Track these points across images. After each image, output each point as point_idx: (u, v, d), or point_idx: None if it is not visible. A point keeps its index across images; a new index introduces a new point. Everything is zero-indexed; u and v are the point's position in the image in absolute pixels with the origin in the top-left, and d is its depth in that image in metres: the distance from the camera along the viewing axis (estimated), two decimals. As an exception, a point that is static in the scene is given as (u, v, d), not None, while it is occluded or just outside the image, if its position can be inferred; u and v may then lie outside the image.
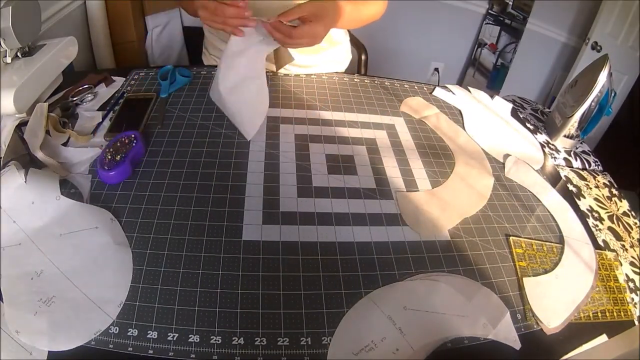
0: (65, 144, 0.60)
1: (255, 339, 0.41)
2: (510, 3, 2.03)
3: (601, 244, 0.60)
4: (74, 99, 0.69)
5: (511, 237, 0.56)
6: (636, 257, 0.61)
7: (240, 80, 0.63)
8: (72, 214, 0.50)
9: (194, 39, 1.61)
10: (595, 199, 0.69)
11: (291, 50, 0.81)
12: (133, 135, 0.58)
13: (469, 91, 0.87)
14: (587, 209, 0.66)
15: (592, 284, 0.53)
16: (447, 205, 0.59)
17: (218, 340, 0.41)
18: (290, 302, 0.44)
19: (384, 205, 0.57)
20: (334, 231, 0.52)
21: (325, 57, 0.87)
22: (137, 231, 0.49)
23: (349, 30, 0.94)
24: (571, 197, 0.67)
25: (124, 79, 0.76)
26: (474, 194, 0.62)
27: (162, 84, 0.73)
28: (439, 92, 0.83)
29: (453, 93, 0.84)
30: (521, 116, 0.86)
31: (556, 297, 0.51)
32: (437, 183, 0.62)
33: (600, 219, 0.65)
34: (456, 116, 0.78)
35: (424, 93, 0.83)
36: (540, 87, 2.24)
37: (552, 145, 0.81)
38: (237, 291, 0.45)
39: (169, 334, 0.41)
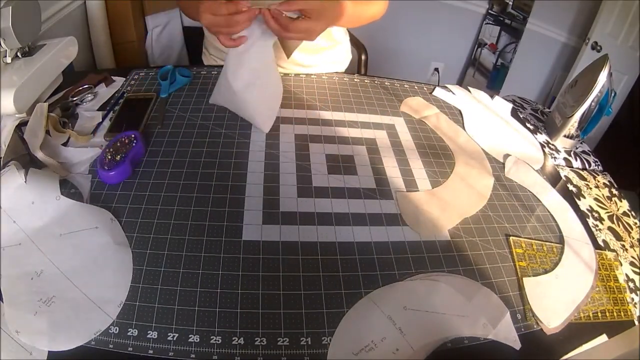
0: (65, 144, 0.60)
1: (255, 339, 0.41)
2: (510, 3, 2.03)
3: (601, 244, 0.60)
4: (74, 99, 0.69)
5: (511, 237, 0.56)
6: (636, 257, 0.61)
7: (254, 77, 0.62)
8: (72, 214, 0.50)
9: (194, 39, 1.61)
10: (595, 199, 0.69)
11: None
12: (133, 135, 0.58)
13: (469, 91, 0.87)
14: (587, 209, 0.66)
15: (592, 284, 0.53)
16: (447, 205, 0.59)
17: (218, 340, 0.41)
18: (290, 302, 0.44)
19: (384, 205, 0.57)
20: (334, 231, 0.52)
21: (325, 57, 0.87)
22: (137, 231, 0.49)
23: (349, 30, 0.94)
24: (571, 197, 0.67)
25: (124, 79, 0.76)
26: (474, 194, 0.62)
27: (162, 84, 0.73)
28: (439, 92, 0.83)
29: (453, 93, 0.84)
30: (521, 116, 0.86)
31: (556, 297, 0.51)
32: (437, 183, 0.62)
33: (600, 219, 0.65)
34: (456, 116, 0.78)
35: (424, 93, 0.83)
36: (540, 87, 2.24)
37: (552, 145, 0.81)
38: (237, 291, 0.45)
39: (169, 334, 0.41)
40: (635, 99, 1.97)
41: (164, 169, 0.57)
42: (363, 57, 1.13)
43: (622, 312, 0.52)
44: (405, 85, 0.85)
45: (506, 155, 0.71)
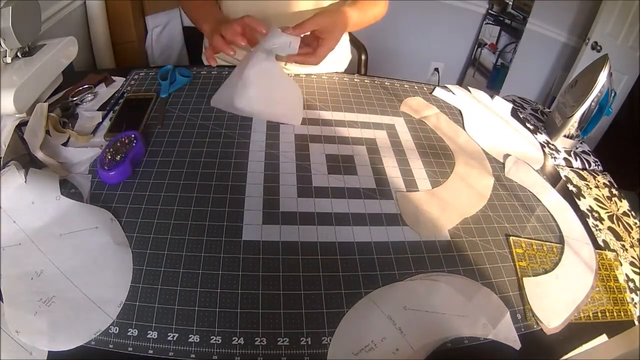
0: (65, 144, 0.60)
1: (255, 339, 0.41)
2: (510, 3, 2.03)
3: (601, 244, 0.60)
4: (74, 99, 0.69)
5: (511, 237, 0.56)
6: (636, 257, 0.61)
7: (266, 95, 0.65)
8: (72, 214, 0.50)
9: (194, 39, 1.61)
10: (595, 199, 0.69)
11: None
12: (133, 135, 0.58)
13: (469, 91, 0.87)
14: (587, 209, 0.66)
15: (592, 284, 0.53)
16: (447, 205, 0.59)
17: (218, 340, 0.41)
18: (290, 302, 0.44)
19: (384, 205, 0.57)
20: (334, 231, 0.52)
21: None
22: (137, 231, 0.49)
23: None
24: (571, 197, 0.67)
25: (124, 79, 0.76)
26: (474, 194, 0.62)
27: (162, 84, 0.73)
28: (439, 92, 0.83)
29: (453, 93, 0.84)
30: (521, 116, 0.86)
31: (556, 297, 0.51)
32: (437, 183, 0.62)
33: (600, 219, 0.65)
34: (456, 116, 0.78)
35: (424, 93, 0.83)
36: (540, 87, 2.24)
37: (552, 145, 0.81)
38: (237, 291, 0.45)
39: (169, 334, 0.41)
40: (635, 99, 1.97)
41: (164, 169, 0.57)
42: (363, 57, 1.13)
43: (622, 312, 0.52)
44: (405, 85, 0.85)
45: (506, 155, 0.71)
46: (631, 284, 0.56)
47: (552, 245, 0.57)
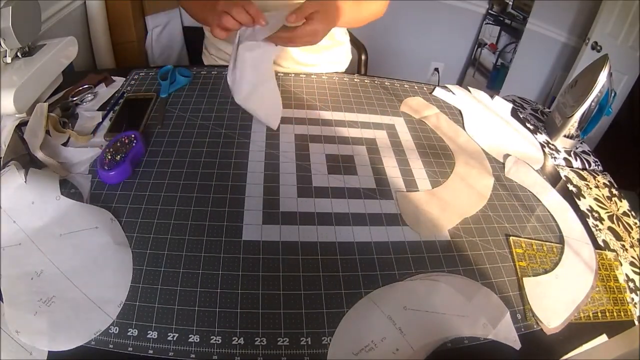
0: (65, 144, 0.60)
1: (255, 339, 0.41)
2: (510, 3, 2.03)
3: (601, 244, 0.60)
4: (74, 99, 0.69)
5: (511, 237, 0.56)
6: (636, 257, 0.61)
7: (252, 88, 0.63)
8: (72, 214, 0.50)
9: (194, 39, 1.61)
10: (595, 199, 0.69)
11: (293, 49, 0.82)
12: (133, 135, 0.58)
13: (469, 91, 0.87)
14: (587, 209, 0.66)
15: (592, 284, 0.53)
16: (447, 205, 0.59)
17: (218, 340, 0.41)
18: (290, 302, 0.44)
19: (384, 205, 0.57)
20: (334, 231, 0.52)
21: (325, 57, 0.87)
22: (137, 231, 0.49)
23: (349, 30, 0.94)
24: (571, 197, 0.67)
25: (124, 79, 0.76)
26: (474, 194, 0.62)
27: (162, 84, 0.73)
28: (439, 92, 0.83)
29: (453, 93, 0.84)
30: (521, 116, 0.86)
31: (556, 297, 0.51)
32: (437, 183, 0.62)
33: (600, 219, 0.65)
34: (456, 116, 0.78)
35: (424, 93, 0.83)
36: (540, 87, 2.24)
37: (552, 145, 0.81)
38: (237, 291, 0.45)
39: (169, 334, 0.41)
40: (635, 99, 1.97)
41: (164, 169, 0.57)
42: (363, 57, 1.13)
43: (622, 312, 0.52)
44: (405, 85, 0.85)
45: (506, 155, 0.71)
46: (631, 284, 0.56)
47: (552, 245, 0.57)
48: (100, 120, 0.65)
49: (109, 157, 0.55)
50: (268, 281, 0.46)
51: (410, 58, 2.29)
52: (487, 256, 0.53)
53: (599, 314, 0.51)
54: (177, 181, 0.56)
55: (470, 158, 0.68)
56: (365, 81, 0.84)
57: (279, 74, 0.81)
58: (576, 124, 0.77)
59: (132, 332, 0.41)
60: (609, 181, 0.74)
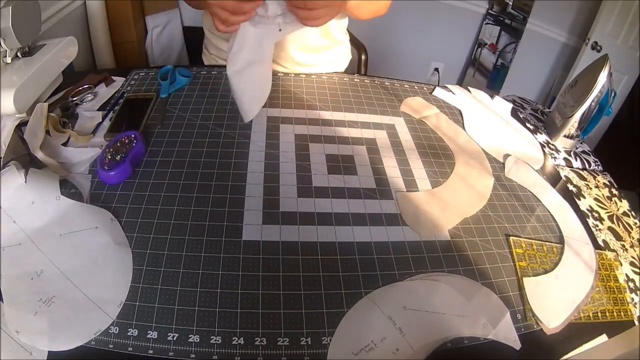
0: (65, 144, 0.60)
1: (255, 339, 0.41)
2: (510, 3, 2.03)
3: (601, 244, 0.60)
4: (74, 99, 0.69)
5: (511, 237, 0.56)
6: (636, 257, 0.61)
7: (247, 64, 0.61)
8: (72, 214, 0.50)
9: (194, 39, 1.60)
10: (595, 199, 0.69)
11: (292, 49, 0.82)
12: (133, 135, 0.58)
13: (469, 91, 0.87)
14: (587, 209, 0.66)
15: (592, 284, 0.53)
16: (447, 205, 0.59)
17: (218, 340, 0.41)
18: (290, 302, 0.44)
19: (384, 205, 0.57)
20: (334, 231, 0.52)
21: (325, 57, 0.87)
22: (137, 231, 0.49)
23: (349, 30, 0.94)
24: (571, 197, 0.67)
25: (124, 79, 0.76)
26: (474, 194, 0.62)
27: (162, 84, 0.73)
28: (439, 92, 0.83)
29: (453, 93, 0.84)
30: (521, 116, 0.86)
31: (556, 297, 0.51)
32: (437, 183, 0.62)
33: (600, 219, 0.65)
34: (456, 116, 0.78)
35: (424, 93, 0.83)
36: (540, 87, 2.24)
37: (552, 145, 0.81)
38: (237, 291, 0.45)
39: (169, 334, 0.41)
40: (635, 99, 1.97)
41: (164, 169, 0.57)
42: (363, 57, 1.13)
43: (622, 312, 0.52)
44: (405, 85, 0.85)
45: (506, 155, 0.71)
46: (631, 284, 0.56)
47: (552, 245, 0.57)
48: (100, 120, 0.65)
49: (109, 157, 0.55)
50: (268, 281, 0.46)
51: (410, 58, 2.29)
52: (487, 256, 0.53)
53: (599, 314, 0.51)
54: (177, 181, 0.56)
55: (470, 158, 0.68)
56: (365, 81, 0.84)
57: (279, 74, 0.81)
58: (576, 124, 0.77)
59: (132, 332, 0.41)
60: (609, 181, 0.74)
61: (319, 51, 0.85)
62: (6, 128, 0.58)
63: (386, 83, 0.84)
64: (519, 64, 2.09)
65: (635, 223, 0.67)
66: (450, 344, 0.44)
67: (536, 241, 0.57)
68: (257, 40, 0.59)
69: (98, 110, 0.68)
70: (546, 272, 0.53)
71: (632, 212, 0.69)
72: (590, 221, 0.63)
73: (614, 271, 0.57)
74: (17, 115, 0.60)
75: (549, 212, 0.62)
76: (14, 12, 0.57)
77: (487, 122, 0.78)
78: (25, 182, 0.49)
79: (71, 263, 0.45)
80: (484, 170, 0.67)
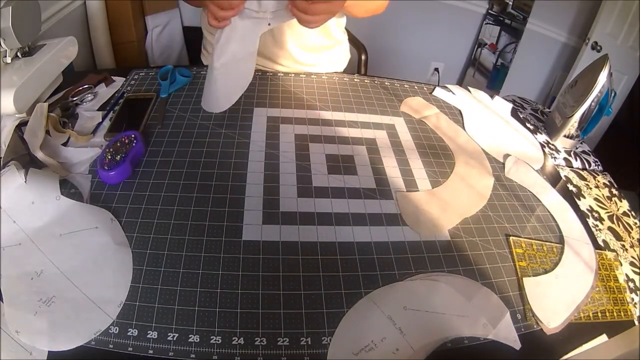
0: (65, 144, 0.60)
1: (255, 339, 0.41)
2: (510, 3, 2.03)
3: (601, 244, 0.60)
4: (74, 99, 0.69)
5: (511, 237, 0.56)
6: (636, 257, 0.61)
7: (233, 57, 0.61)
8: (72, 214, 0.50)
9: (194, 39, 1.61)
10: (595, 199, 0.69)
11: (292, 49, 0.82)
12: (133, 135, 0.58)
13: (469, 91, 0.87)
14: (587, 209, 0.66)
15: (592, 284, 0.53)
16: (447, 205, 0.59)
17: (218, 340, 0.41)
18: (290, 302, 0.44)
19: (384, 205, 0.57)
20: (334, 231, 0.52)
21: (324, 57, 0.87)
22: (137, 231, 0.49)
23: (348, 30, 0.94)
24: (571, 197, 0.67)
25: (124, 79, 0.76)
26: (474, 194, 0.62)
27: (162, 84, 0.73)
28: (439, 92, 0.83)
29: (453, 93, 0.84)
30: (521, 116, 0.86)
31: (556, 297, 0.51)
32: (437, 183, 0.62)
33: (600, 219, 0.65)
34: (456, 116, 0.78)
35: (424, 93, 0.83)
36: (540, 87, 2.24)
37: (552, 145, 0.81)
38: (237, 291, 0.45)
39: (169, 334, 0.41)
40: (635, 99, 1.97)
41: (164, 169, 0.57)
42: (363, 57, 1.13)
43: (622, 312, 0.52)
44: (405, 85, 0.85)
45: (506, 155, 0.71)
46: (631, 284, 0.56)
47: (552, 245, 0.57)
48: (100, 120, 0.65)
49: (109, 157, 0.55)
50: (268, 281, 0.46)
51: (410, 58, 2.29)
52: (487, 256, 0.53)
53: (599, 314, 0.51)
54: (177, 181, 0.56)
55: (470, 158, 0.68)
56: (365, 81, 0.84)
57: (279, 74, 0.81)
58: (576, 124, 0.77)
59: (132, 332, 0.41)
60: (609, 181, 0.74)
61: (318, 51, 0.85)
62: (6, 128, 0.58)
63: (386, 83, 0.84)
64: (519, 64, 2.09)
65: (635, 223, 0.67)
66: (450, 344, 0.44)
67: (536, 241, 0.57)
68: (245, 34, 0.60)
69: (98, 110, 0.68)
70: (546, 272, 0.53)
71: (632, 212, 0.69)
72: (590, 221, 0.63)
73: (614, 271, 0.57)
74: (17, 115, 0.60)
75: (549, 212, 0.62)
76: (14, 12, 0.57)
77: (487, 122, 0.78)
78: (25, 182, 0.49)
79: (71, 263, 0.45)
80: (484, 170, 0.67)
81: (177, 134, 0.64)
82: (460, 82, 2.39)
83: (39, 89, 0.65)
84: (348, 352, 0.41)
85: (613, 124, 2.00)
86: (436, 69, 2.37)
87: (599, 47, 1.79)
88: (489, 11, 2.15)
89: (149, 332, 0.41)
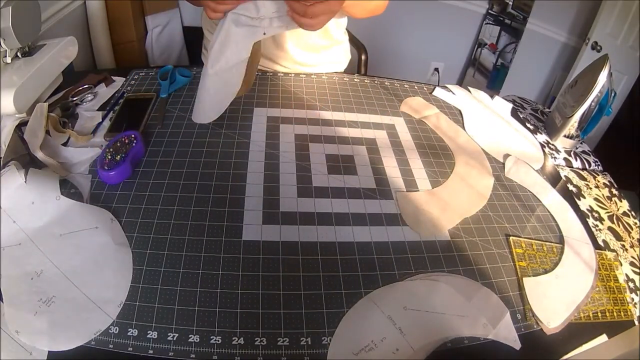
0: (65, 144, 0.60)
1: (255, 339, 0.41)
2: (510, 3, 2.03)
3: (601, 244, 0.60)
4: (74, 99, 0.69)
5: (511, 237, 0.56)
6: (636, 257, 0.61)
7: (226, 65, 0.60)
8: (72, 214, 0.50)
9: (194, 39, 1.61)
10: (595, 199, 0.69)
11: (292, 49, 0.82)
12: (133, 135, 0.58)
13: (469, 91, 0.87)
14: (587, 209, 0.66)
15: (592, 284, 0.53)
16: (447, 205, 0.59)
17: (218, 340, 0.41)
18: (290, 302, 0.44)
19: (384, 205, 0.57)
20: (334, 231, 0.52)
21: (324, 57, 0.87)
22: (137, 231, 0.49)
23: (348, 30, 0.94)
24: (571, 197, 0.67)
25: (124, 79, 0.76)
26: (474, 194, 0.62)
27: (162, 84, 0.73)
28: (439, 92, 0.83)
29: (453, 93, 0.84)
30: (521, 116, 0.86)
31: (556, 297, 0.51)
32: (437, 183, 0.62)
33: (600, 219, 0.65)
34: (456, 116, 0.78)
35: (424, 93, 0.83)
36: (540, 87, 2.24)
37: (552, 145, 0.81)
38: (237, 291, 0.45)
39: (169, 334, 0.41)
40: (635, 99, 1.97)
41: (164, 169, 0.57)
42: (363, 57, 1.13)
43: (622, 312, 0.52)
44: (405, 85, 0.85)
45: (506, 155, 0.71)
46: (631, 284, 0.56)
47: (552, 245, 0.57)
48: (100, 120, 0.65)
49: (109, 157, 0.55)
50: (268, 281, 0.46)
51: (410, 58, 2.29)
52: (487, 256, 0.53)
53: (599, 314, 0.51)
54: (177, 181, 0.56)
55: (470, 158, 0.68)
56: (365, 81, 0.84)
57: (279, 74, 0.81)
58: (576, 124, 0.77)
59: (132, 332, 0.41)
60: (609, 181, 0.74)
61: (318, 51, 0.85)
62: (6, 128, 0.58)
63: (386, 83, 0.84)
64: (519, 64, 2.09)
65: (635, 223, 0.67)
66: (450, 344, 0.44)
67: (536, 241, 0.57)
68: (238, 40, 0.59)
69: (98, 110, 0.68)
70: (546, 272, 0.53)
71: (632, 212, 0.69)
72: (590, 221, 0.63)
73: (614, 271, 0.57)
74: (17, 115, 0.60)
75: (549, 212, 0.62)
76: (14, 12, 0.57)
77: (487, 122, 0.78)
78: (25, 182, 0.49)
79: (71, 263, 0.45)
80: (484, 170, 0.67)
81: (177, 134, 0.64)
82: (460, 82, 2.39)
83: (39, 89, 0.65)
84: (348, 352, 0.41)
85: (613, 124, 2.00)
86: (436, 69, 2.37)
87: (599, 47, 1.79)
88: (489, 11, 2.15)
89: (149, 332, 0.41)
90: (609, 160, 0.85)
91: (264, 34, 0.59)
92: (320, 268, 0.48)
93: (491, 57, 2.19)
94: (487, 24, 2.17)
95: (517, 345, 0.45)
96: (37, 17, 0.65)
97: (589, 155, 0.81)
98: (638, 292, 0.56)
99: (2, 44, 0.58)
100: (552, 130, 0.82)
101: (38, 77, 0.63)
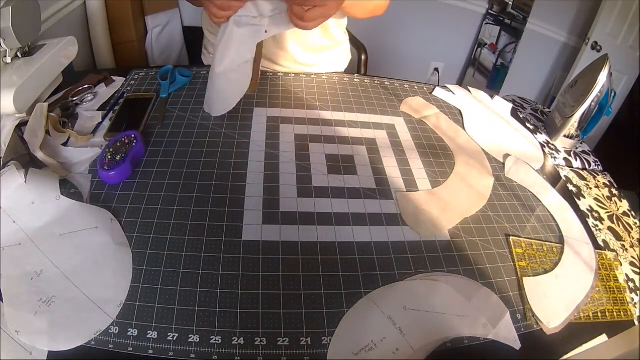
0: (65, 144, 0.60)
1: (255, 339, 0.41)
2: (510, 3, 2.03)
3: (601, 244, 0.60)
4: (74, 99, 0.69)
5: (511, 237, 0.56)
6: (636, 257, 0.61)
7: (231, 64, 0.62)
8: (72, 214, 0.50)
9: (194, 39, 1.61)
10: (595, 199, 0.69)
11: (292, 49, 0.82)
12: (133, 135, 0.58)
13: (469, 91, 0.87)
14: (587, 209, 0.66)
15: (592, 284, 0.53)
16: (447, 205, 0.59)
17: (218, 340, 0.41)
18: (290, 302, 0.44)
19: (384, 205, 0.57)
20: (334, 231, 0.52)
21: (325, 57, 0.87)
22: (137, 231, 0.49)
23: (348, 30, 0.94)
24: (571, 197, 0.67)
25: (124, 79, 0.76)
26: (474, 194, 0.62)
27: (162, 84, 0.73)
28: (439, 92, 0.83)
29: (453, 93, 0.84)
30: (521, 116, 0.86)
31: (556, 297, 0.51)
32: (437, 183, 0.62)
33: (600, 219, 0.65)
34: (456, 116, 0.78)
35: (424, 93, 0.83)
36: (540, 87, 2.24)
37: (552, 145, 0.81)
38: (237, 291, 0.45)
39: (169, 334, 0.41)
40: (635, 99, 1.97)
41: (164, 169, 0.57)
42: (363, 57, 1.13)
43: (622, 312, 0.52)
44: (405, 85, 0.85)
45: (506, 155, 0.71)
46: (631, 284, 0.56)
47: (552, 245, 0.57)
48: (100, 120, 0.65)
49: (109, 157, 0.55)
50: (268, 281, 0.46)
51: (410, 58, 2.29)
52: (487, 256, 0.53)
53: (599, 314, 0.51)
54: (177, 181, 0.56)
55: (470, 158, 0.68)
56: (365, 81, 0.84)
57: (279, 74, 0.81)
58: (576, 124, 0.77)
59: (132, 332, 0.41)
60: (609, 181, 0.74)
61: (319, 51, 0.85)
62: (6, 128, 0.58)
63: (386, 83, 0.84)
64: (519, 64, 2.09)
65: (635, 223, 0.67)
66: (450, 344, 0.44)
67: (536, 241, 0.57)
68: (241, 41, 0.60)
69: (98, 110, 0.68)
70: (546, 272, 0.53)
71: (632, 212, 0.69)
72: (590, 221, 0.63)
73: (614, 271, 0.57)
74: (17, 115, 0.60)
75: (549, 212, 0.62)
76: (14, 12, 0.57)
77: (487, 122, 0.78)
78: (25, 182, 0.49)
79: (71, 263, 0.45)
80: (484, 170, 0.67)
81: (177, 134, 0.64)
82: (460, 82, 2.40)
83: (39, 89, 0.65)
84: (348, 352, 0.41)
85: (613, 124, 2.00)
86: (436, 69, 2.37)
87: (599, 47, 1.79)
88: (489, 11, 2.15)
89: (149, 332, 0.41)
90: (609, 160, 0.85)
91: (266, 31, 0.60)
92: (320, 268, 0.48)
93: (491, 57, 2.19)
94: (487, 24, 2.18)
95: (517, 345, 0.45)
96: (37, 17, 0.65)
97: (589, 155, 0.81)
98: (638, 292, 0.56)
99: (2, 44, 0.58)
100: (552, 130, 0.82)
101: (38, 77, 0.63)
